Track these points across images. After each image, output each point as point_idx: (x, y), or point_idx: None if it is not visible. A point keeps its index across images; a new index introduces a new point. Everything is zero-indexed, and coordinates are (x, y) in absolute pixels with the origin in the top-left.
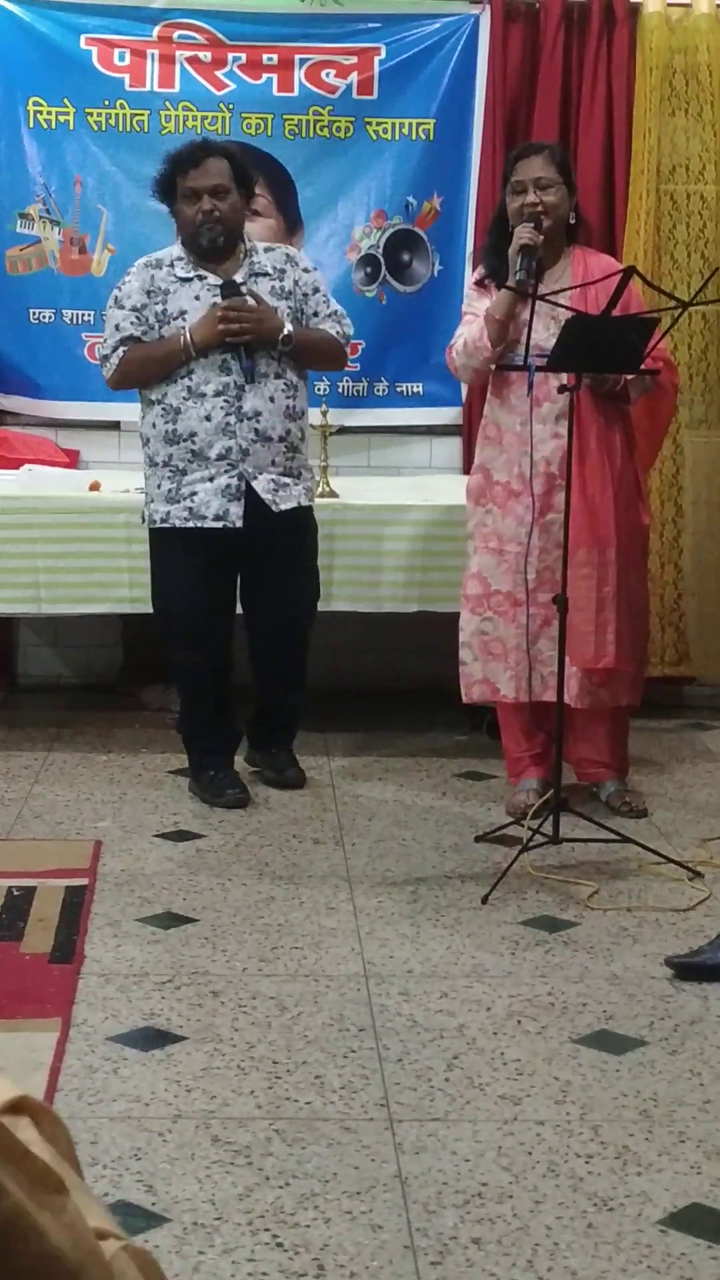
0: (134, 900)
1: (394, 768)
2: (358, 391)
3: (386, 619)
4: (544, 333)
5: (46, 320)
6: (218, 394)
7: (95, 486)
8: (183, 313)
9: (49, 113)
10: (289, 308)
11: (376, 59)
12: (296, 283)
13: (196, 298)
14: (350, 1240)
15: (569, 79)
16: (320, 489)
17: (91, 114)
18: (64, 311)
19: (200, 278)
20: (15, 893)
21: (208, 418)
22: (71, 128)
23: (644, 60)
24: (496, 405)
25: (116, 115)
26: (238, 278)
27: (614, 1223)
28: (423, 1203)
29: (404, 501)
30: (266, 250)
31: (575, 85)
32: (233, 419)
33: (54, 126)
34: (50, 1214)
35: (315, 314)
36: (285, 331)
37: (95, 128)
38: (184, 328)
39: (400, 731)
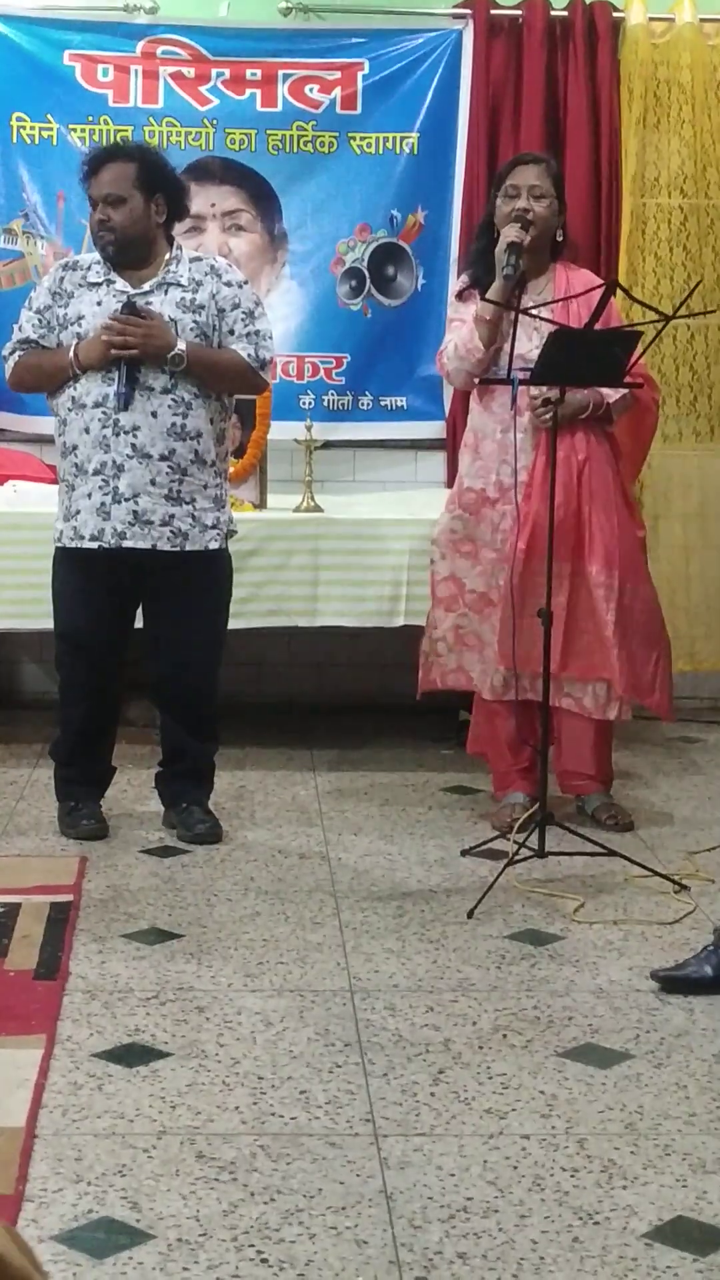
0: (119, 916)
1: (379, 782)
2: (343, 405)
3: (372, 633)
4: (527, 343)
5: None
6: (97, 405)
7: None
8: (80, 318)
9: (32, 128)
10: (195, 322)
11: (360, 74)
12: (214, 296)
13: (98, 303)
14: (335, 1256)
15: (552, 93)
16: (305, 503)
17: (75, 130)
18: None
19: (109, 283)
20: (0, 909)
21: (86, 430)
22: (55, 143)
23: (627, 74)
24: (479, 412)
25: (100, 131)
26: (147, 286)
27: (599, 1236)
28: (408, 1218)
29: (389, 516)
30: (193, 260)
31: (558, 99)
32: (108, 432)
33: (37, 142)
34: None
35: (231, 331)
36: (175, 350)
37: (79, 143)
38: (74, 343)
39: (386, 746)
